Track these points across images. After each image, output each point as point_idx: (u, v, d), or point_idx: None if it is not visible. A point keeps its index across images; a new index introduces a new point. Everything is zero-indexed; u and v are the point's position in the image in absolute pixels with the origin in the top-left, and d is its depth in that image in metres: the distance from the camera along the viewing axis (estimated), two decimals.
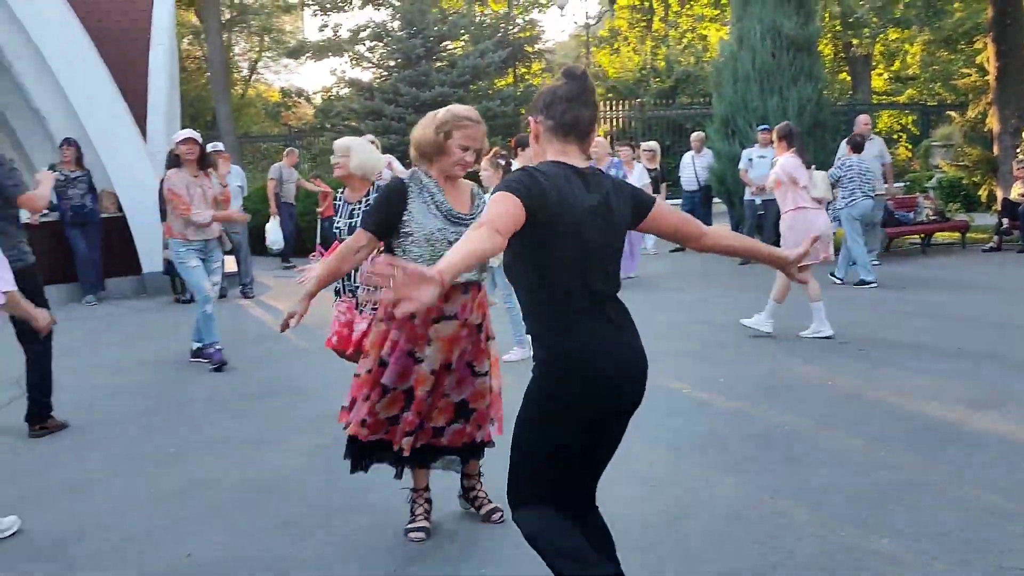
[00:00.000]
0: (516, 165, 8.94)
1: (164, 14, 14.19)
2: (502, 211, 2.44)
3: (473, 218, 3.84)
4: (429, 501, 4.20)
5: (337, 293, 5.23)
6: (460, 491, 4.38)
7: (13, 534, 4.30)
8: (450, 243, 3.69)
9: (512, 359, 7.33)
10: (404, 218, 3.76)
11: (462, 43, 20.58)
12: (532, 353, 2.74)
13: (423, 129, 3.90)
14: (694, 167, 15.10)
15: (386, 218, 3.78)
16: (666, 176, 15.14)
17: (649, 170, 13.50)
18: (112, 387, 7.11)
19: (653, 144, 15.06)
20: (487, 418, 4.06)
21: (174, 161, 7.64)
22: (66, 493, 4.86)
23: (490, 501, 4.24)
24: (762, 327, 7.99)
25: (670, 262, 13.84)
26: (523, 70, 24.53)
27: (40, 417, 5.92)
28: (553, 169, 2.63)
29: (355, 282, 5.01)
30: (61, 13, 12.50)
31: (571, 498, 2.80)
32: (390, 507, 4.36)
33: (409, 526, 4.10)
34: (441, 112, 3.89)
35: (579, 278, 2.63)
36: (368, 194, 4.96)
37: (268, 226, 13.00)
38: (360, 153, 4.98)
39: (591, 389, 2.64)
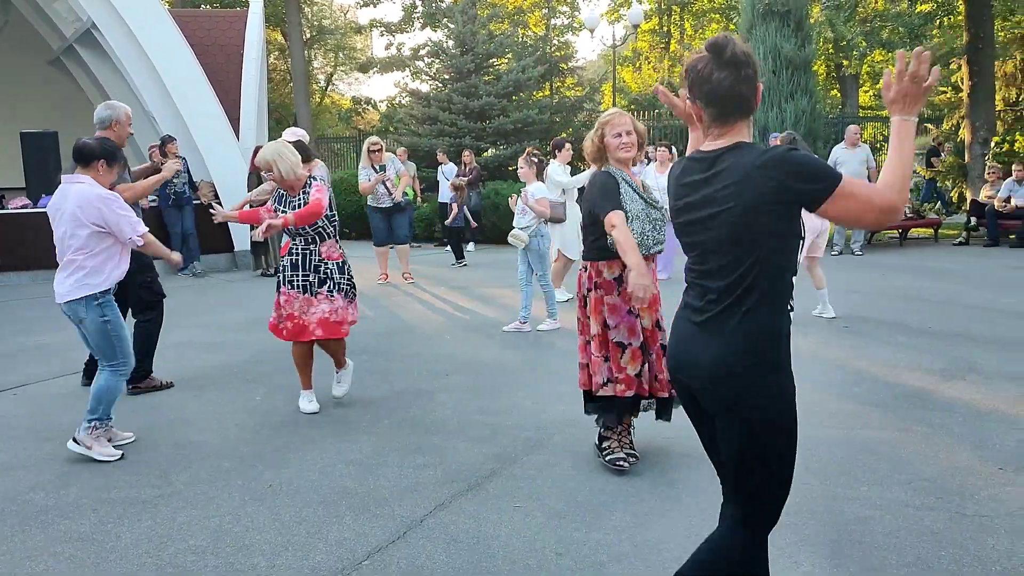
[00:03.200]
0: (554, 165, 8.88)
1: (255, 33, 14.28)
2: None
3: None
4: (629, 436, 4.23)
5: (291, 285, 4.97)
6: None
7: (122, 456, 4.37)
8: (651, 221, 3.99)
9: (545, 328, 7.38)
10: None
11: (506, 60, 20.43)
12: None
13: (586, 142, 4.12)
14: None
15: (615, 201, 3.86)
16: None
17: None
18: (210, 345, 7.19)
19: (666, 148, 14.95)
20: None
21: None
22: (171, 432, 4.92)
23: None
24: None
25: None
26: (558, 84, 24.32)
27: (137, 378, 5.74)
28: None
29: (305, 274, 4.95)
30: (170, 32, 12.60)
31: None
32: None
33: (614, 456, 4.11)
34: (595, 127, 4.10)
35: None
36: (306, 186, 4.98)
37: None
38: (282, 163, 4.90)
39: None
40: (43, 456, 4.54)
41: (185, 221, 11.90)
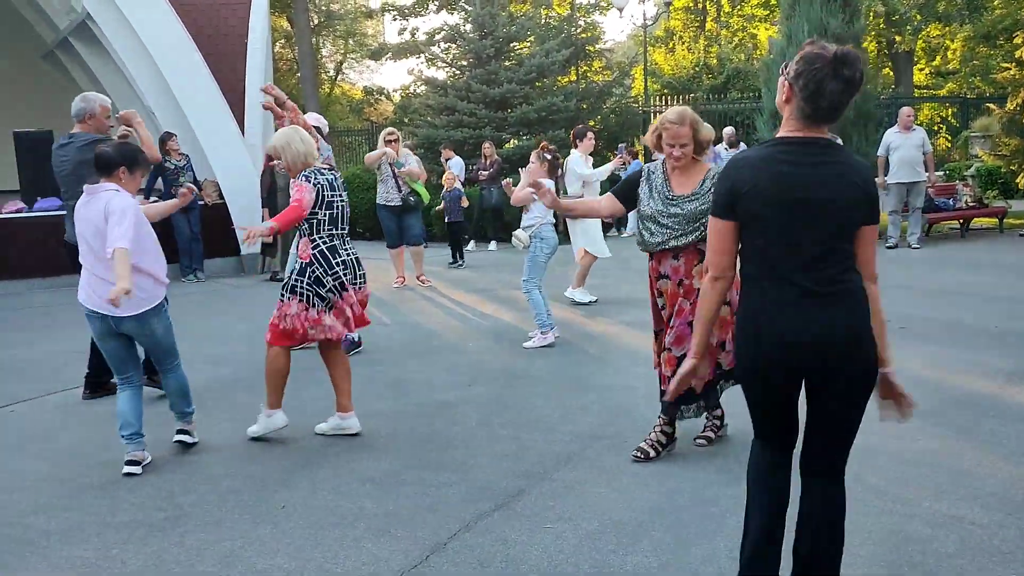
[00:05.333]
0: (575, 155, 8.87)
1: (259, 20, 14.37)
2: None
3: (686, 198, 4.36)
4: (663, 432, 4.49)
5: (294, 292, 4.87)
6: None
7: (132, 474, 4.44)
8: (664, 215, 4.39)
9: (532, 345, 7.15)
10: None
11: (528, 43, 20.45)
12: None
13: (648, 135, 4.53)
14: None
15: (630, 193, 4.61)
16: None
17: None
18: (217, 357, 7.27)
19: None
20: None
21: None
22: (176, 450, 4.98)
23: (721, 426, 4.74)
24: None
25: None
26: (584, 68, 24.34)
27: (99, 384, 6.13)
28: None
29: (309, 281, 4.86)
30: (170, 22, 12.74)
31: None
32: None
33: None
34: (658, 119, 4.44)
35: None
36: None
37: None
38: (288, 151, 4.91)
39: None
40: (42, 477, 4.62)
41: (191, 224, 12.03)
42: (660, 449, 4.48)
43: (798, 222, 2.60)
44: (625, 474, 4.30)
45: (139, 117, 6.22)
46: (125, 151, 4.62)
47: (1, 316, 9.82)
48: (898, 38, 25.06)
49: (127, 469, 4.56)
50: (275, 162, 6.04)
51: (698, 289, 4.14)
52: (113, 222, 4.33)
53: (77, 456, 4.92)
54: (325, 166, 5.06)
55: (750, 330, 2.70)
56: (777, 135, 2.72)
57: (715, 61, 24.71)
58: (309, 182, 4.81)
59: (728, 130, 15.69)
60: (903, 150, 11.81)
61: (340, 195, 4.95)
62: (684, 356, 4.13)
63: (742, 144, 14.97)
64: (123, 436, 4.60)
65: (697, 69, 24.54)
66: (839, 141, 2.76)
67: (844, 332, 2.61)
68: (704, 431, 4.73)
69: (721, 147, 14.63)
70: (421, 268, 10.77)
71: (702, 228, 4.23)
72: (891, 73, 27.99)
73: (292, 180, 4.95)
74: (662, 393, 4.54)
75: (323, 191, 4.84)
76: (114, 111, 6.31)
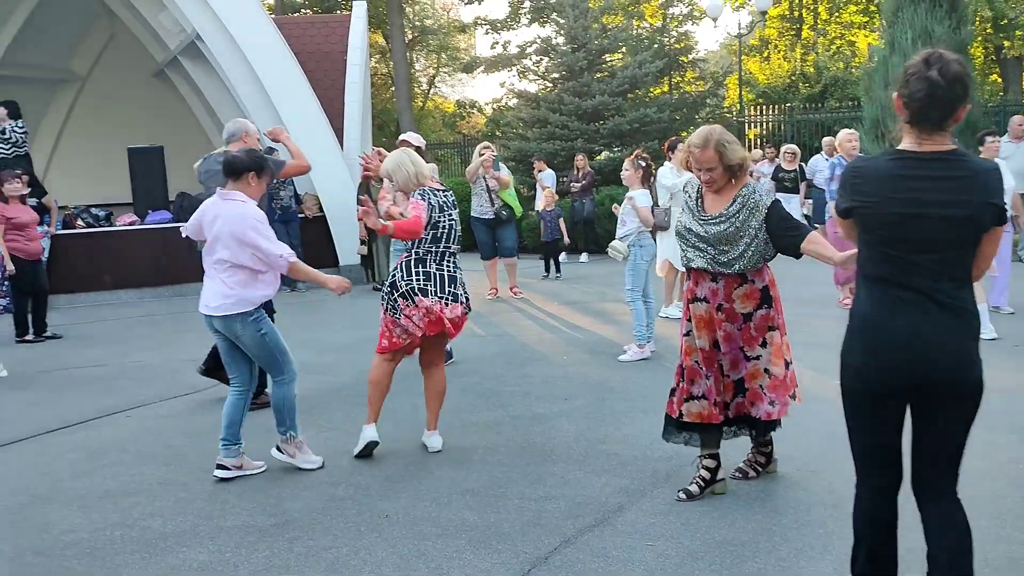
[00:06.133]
0: (666, 167, 8.80)
1: (359, 38, 14.72)
2: None
3: (717, 219, 4.07)
4: (707, 469, 4.23)
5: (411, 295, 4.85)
6: (743, 462, 4.51)
7: (221, 478, 4.59)
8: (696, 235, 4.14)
9: (627, 359, 7.12)
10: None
11: (621, 55, 20.42)
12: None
13: (682, 154, 4.41)
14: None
15: None
16: (806, 175, 14.71)
17: (788, 171, 14.37)
18: (321, 366, 7.45)
19: (793, 146, 15.02)
20: (761, 397, 4.14)
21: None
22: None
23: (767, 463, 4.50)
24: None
25: None
26: (677, 78, 24.20)
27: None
28: None
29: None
30: (274, 41, 13.14)
31: None
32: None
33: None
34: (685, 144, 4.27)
35: None
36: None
37: None
38: (398, 173, 4.96)
39: None
40: (158, 481, 4.82)
41: (291, 236, 12.38)
42: (703, 485, 4.22)
43: (914, 235, 2.60)
44: (727, 494, 4.24)
45: (286, 132, 6.52)
46: (255, 156, 4.83)
47: (117, 325, 10.28)
48: (1007, 44, 24.13)
49: (215, 472, 4.73)
50: (371, 176, 6.24)
51: (741, 314, 4.09)
52: (258, 236, 4.56)
53: (190, 461, 5.11)
54: (439, 185, 5.08)
55: (861, 331, 2.71)
56: (898, 147, 2.71)
57: (812, 70, 24.21)
58: (424, 200, 4.88)
59: (827, 140, 15.34)
60: (1015, 160, 11.33)
61: (448, 214, 4.94)
62: (742, 380, 4.17)
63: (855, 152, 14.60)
64: (220, 439, 4.76)
65: (793, 78, 24.10)
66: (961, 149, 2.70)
67: (954, 345, 2.60)
68: (749, 462, 4.49)
69: (819, 157, 14.31)
70: (515, 280, 10.85)
71: (747, 257, 4.02)
72: (999, 80, 26.95)
73: (407, 196, 5.06)
74: (670, 429, 4.32)
75: (432, 212, 4.86)
76: (219, 124, 6.66)
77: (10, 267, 8.97)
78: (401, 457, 5.01)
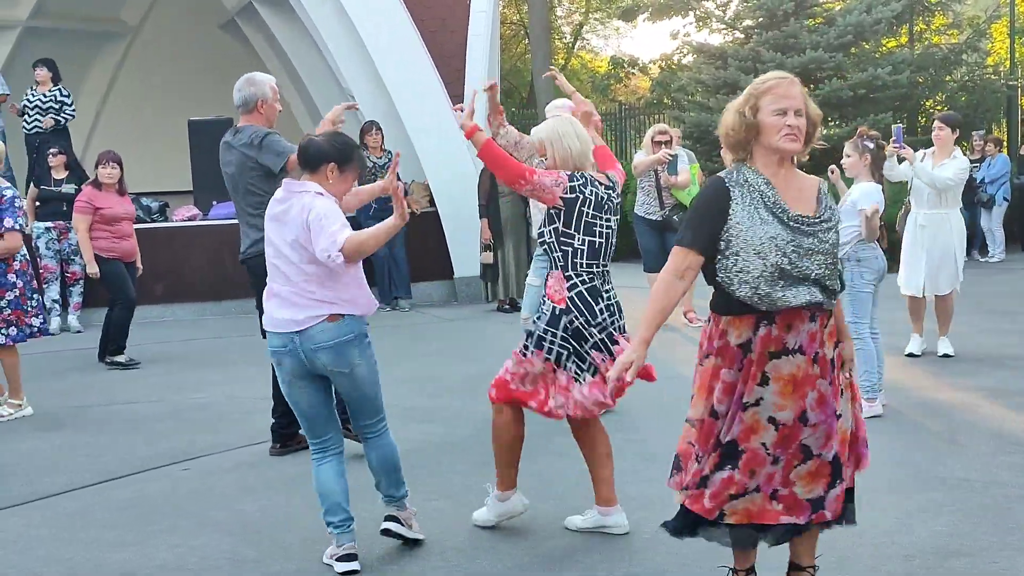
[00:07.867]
0: (926, 154, 8.55)
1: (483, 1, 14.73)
2: None
3: (820, 221, 3.70)
4: None
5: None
6: None
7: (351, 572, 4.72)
8: (786, 255, 3.59)
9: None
10: (725, 229, 3.66)
11: None
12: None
13: (725, 116, 3.83)
14: None
15: (708, 231, 3.68)
16: None
17: None
18: (425, 411, 7.58)
19: None
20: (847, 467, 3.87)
21: None
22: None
23: None
24: None
25: None
26: (921, 26, 23.47)
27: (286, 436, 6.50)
28: None
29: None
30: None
31: None
32: None
33: None
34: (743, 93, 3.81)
35: None
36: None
37: None
38: (558, 146, 4.90)
39: None
40: (227, 555, 4.97)
41: (394, 239, 12.56)
42: None
43: None
44: None
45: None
46: (338, 143, 4.81)
47: (173, 350, 10.73)
48: None
49: (341, 568, 4.60)
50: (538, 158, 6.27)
51: (832, 359, 3.75)
52: (319, 227, 4.49)
53: (266, 530, 5.28)
54: (601, 177, 4.99)
55: None
56: None
57: None
58: (570, 182, 4.79)
59: None
60: None
61: (607, 219, 4.87)
62: (837, 458, 3.73)
63: None
64: (329, 523, 4.68)
65: None
66: None
67: None
68: None
69: None
70: (689, 303, 10.71)
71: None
72: None
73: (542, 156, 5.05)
74: (680, 527, 3.96)
75: (584, 207, 4.78)
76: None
77: (93, 270, 9.49)
78: (539, 539, 5.04)
